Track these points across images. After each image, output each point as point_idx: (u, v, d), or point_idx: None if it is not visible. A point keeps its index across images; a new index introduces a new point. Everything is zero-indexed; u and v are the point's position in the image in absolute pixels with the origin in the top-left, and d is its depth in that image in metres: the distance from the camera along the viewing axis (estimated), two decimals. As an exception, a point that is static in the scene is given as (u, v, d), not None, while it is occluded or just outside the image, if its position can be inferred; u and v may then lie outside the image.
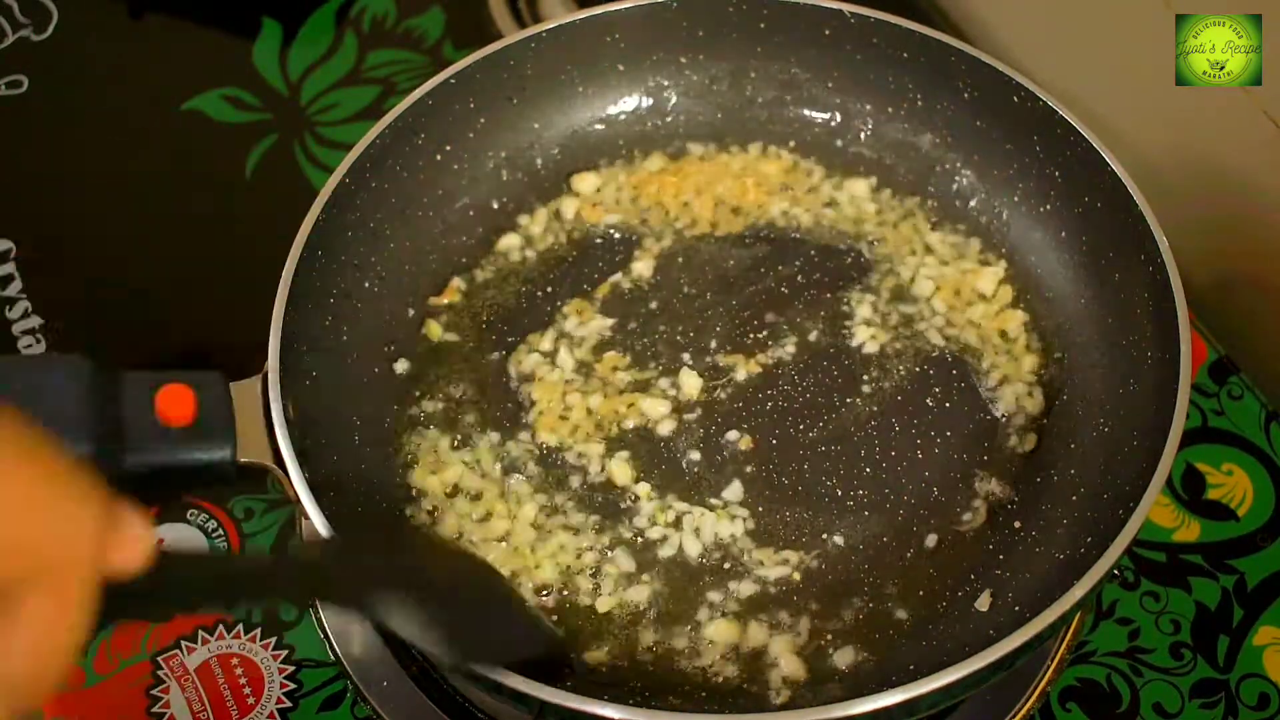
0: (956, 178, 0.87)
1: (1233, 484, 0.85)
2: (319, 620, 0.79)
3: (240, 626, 0.79)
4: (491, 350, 0.82)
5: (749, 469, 0.77)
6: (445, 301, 0.84)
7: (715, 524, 0.75)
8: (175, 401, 0.61)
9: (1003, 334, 0.82)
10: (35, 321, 0.93)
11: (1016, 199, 0.85)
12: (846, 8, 0.85)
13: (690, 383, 0.80)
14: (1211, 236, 0.94)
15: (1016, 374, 0.80)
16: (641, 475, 0.77)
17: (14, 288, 0.94)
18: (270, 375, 0.67)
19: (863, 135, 0.90)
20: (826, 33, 0.87)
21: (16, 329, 0.92)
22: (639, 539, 0.74)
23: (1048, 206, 0.83)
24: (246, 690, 0.77)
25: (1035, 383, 0.80)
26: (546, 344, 0.82)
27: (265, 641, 0.79)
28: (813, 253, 0.86)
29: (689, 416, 0.79)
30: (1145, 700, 0.77)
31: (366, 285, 0.81)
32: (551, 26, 0.85)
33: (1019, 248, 0.85)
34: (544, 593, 0.73)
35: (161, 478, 0.61)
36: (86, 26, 1.11)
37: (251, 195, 1.00)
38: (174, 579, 0.44)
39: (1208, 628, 0.80)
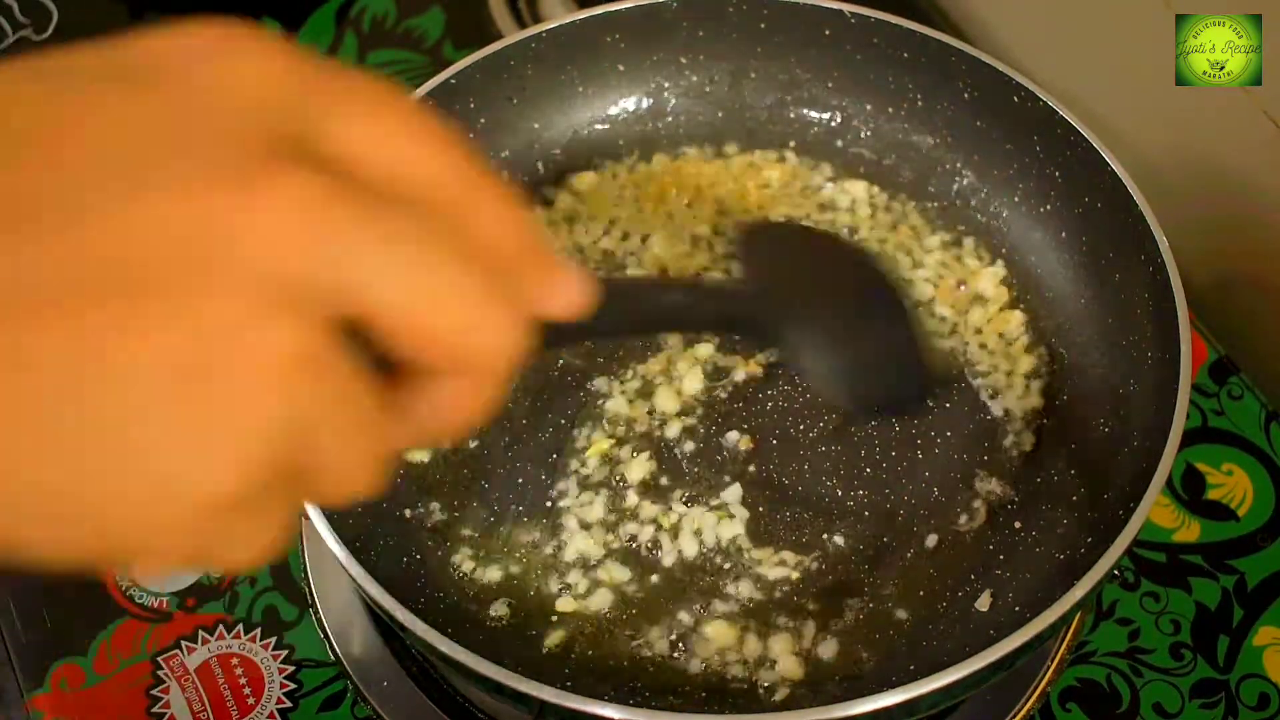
0: (957, 178, 0.87)
1: (1233, 484, 0.85)
2: (319, 620, 0.79)
3: (240, 627, 0.79)
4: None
5: (749, 469, 0.77)
6: (446, 301, 0.84)
7: (715, 524, 0.74)
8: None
9: (1002, 334, 0.82)
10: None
11: (1016, 199, 0.85)
12: (847, 8, 0.85)
13: (690, 383, 0.80)
14: (1211, 236, 0.94)
15: (1016, 374, 0.80)
16: (646, 476, 0.77)
17: (14, 288, 0.94)
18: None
19: (863, 135, 0.90)
20: (826, 33, 0.87)
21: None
22: (638, 539, 0.75)
23: (1048, 207, 0.83)
24: (246, 690, 0.77)
25: (1035, 383, 0.80)
26: (546, 344, 0.82)
27: (265, 641, 0.79)
28: (813, 253, 0.86)
29: (689, 417, 0.79)
30: (1145, 700, 0.77)
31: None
32: (551, 26, 0.85)
33: (1019, 248, 0.85)
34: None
35: None
36: (86, 26, 1.10)
37: (252, 195, 1.00)
38: (604, 312, 0.40)
39: (1208, 628, 0.80)
